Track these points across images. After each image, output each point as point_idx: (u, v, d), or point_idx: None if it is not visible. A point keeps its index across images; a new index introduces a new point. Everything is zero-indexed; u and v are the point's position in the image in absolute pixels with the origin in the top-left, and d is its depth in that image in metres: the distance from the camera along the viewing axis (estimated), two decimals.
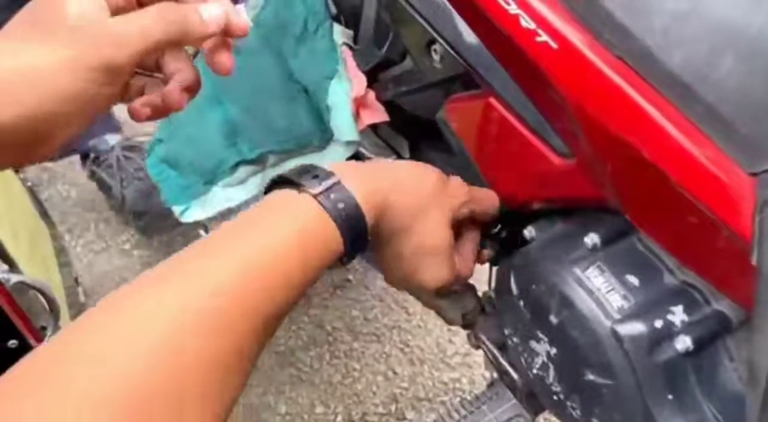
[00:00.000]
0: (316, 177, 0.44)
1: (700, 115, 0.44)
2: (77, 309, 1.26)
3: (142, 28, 0.39)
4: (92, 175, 1.46)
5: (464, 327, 0.79)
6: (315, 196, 0.43)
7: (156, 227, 1.38)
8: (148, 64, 0.46)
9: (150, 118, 0.45)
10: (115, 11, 0.41)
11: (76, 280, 1.32)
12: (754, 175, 0.42)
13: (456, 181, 0.59)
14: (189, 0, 0.43)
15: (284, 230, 0.40)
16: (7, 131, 0.37)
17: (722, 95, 0.43)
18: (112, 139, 1.44)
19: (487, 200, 0.60)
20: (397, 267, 0.55)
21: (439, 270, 0.55)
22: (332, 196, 0.43)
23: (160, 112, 0.45)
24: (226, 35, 0.45)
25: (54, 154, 0.41)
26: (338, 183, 0.45)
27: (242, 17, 0.44)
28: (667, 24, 0.44)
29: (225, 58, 0.45)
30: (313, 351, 1.29)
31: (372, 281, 1.39)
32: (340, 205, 0.43)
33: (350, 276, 1.40)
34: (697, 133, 0.44)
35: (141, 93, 0.45)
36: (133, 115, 0.44)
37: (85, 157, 1.47)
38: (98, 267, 1.44)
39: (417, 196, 0.52)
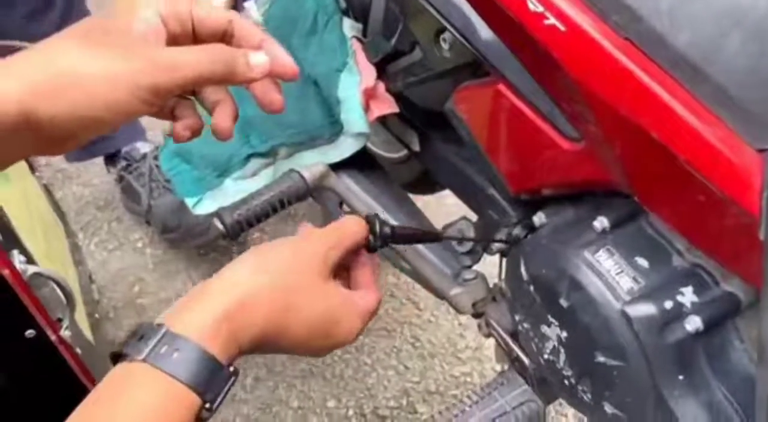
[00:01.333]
0: (141, 338, 0.41)
1: (707, 95, 0.44)
2: (92, 306, 1.27)
3: (193, 61, 0.42)
4: (120, 180, 1.47)
5: (475, 315, 0.79)
6: (144, 360, 0.40)
7: (186, 240, 1.40)
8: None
9: (189, 139, 0.47)
10: (172, 41, 0.45)
11: (90, 278, 1.33)
12: (762, 151, 0.42)
13: (312, 234, 0.51)
14: (241, 44, 0.46)
15: (134, 408, 0.38)
16: (44, 126, 0.39)
17: (729, 75, 0.43)
18: (144, 146, 1.45)
19: (351, 230, 0.52)
20: (313, 349, 0.48)
21: (348, 323, 0.48)
22: (162, 350, 0.40)
23: (198, 134, 0.47)
24: (275, 76, 0.48)
25: (71, 150, 0.43)
26: (166, 334, 0.41)
27: (290, 61, 0.47)
28: (674, 5, 0.45)
29: (273, 97, 0.49)
30: None
31: (383, 276, 1.40)
32: (175, 355, 0.40)
33: None
34: (704, 112, 0.44)
35: (171, 111, 0.47)
36: (176, 138, 0.47)
37: (110, 160, 1.48)
38: (112, 265, 1.46)
39: (274, 286, 0.45)
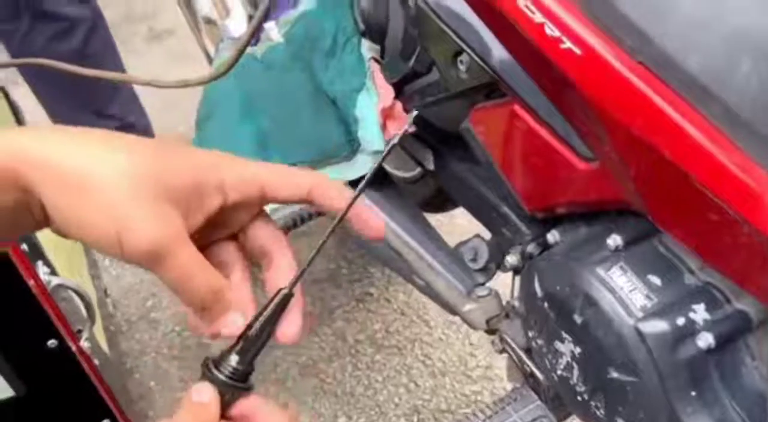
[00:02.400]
0: None
1: (719, 116, 0.46)
2: (108, 320, 1.29)
3: (175, 266, 0.37)
4: None
5: (488, 332, 0.80)
6: None
7: None
8: None
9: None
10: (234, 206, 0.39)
11: (105, 291, 1.35)
12: None
13: None
14: (323, 208, 0.40)
15: None
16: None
17: (740, 97, 0.45)
18: None
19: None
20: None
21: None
22: None
23: None
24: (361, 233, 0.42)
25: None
26: None
27: (377, 225, 0.41)
28: (685, 29, 0.46)
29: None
30: (336, 362, 1.31)
31: (394, 294, 1.41)
32: None
33: (372, 290, 1.42)
34: (716, 133, 0.46)
35: None
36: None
37: None
38: (125, 280, 1.48)
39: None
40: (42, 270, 0.77)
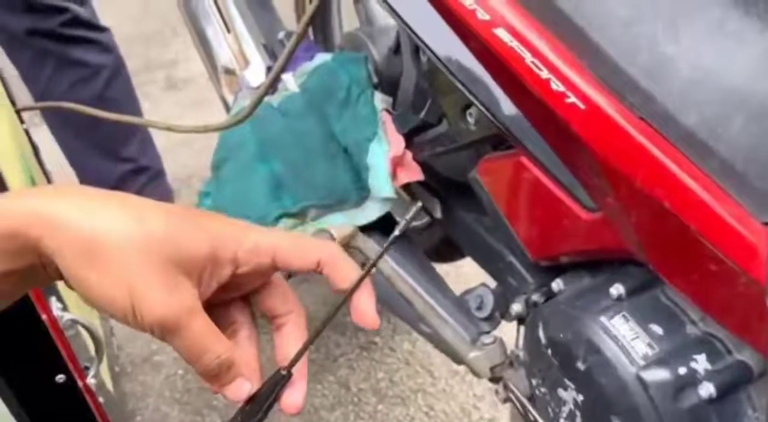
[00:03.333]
0: None
1: (715, 170, 0.48)
2: (113, 361, 1.29)
3: (186, 338, 0.37)
4: None
5: (492, 380, 0.81)
6: None
7: None
8: None
9: None
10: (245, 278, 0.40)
11: (111, 331, 1.36)
12: (767, 224, 0.46)
13: None
14: (332, 280, 0.41)
15: None
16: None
17: (735, 151, 0.47)
18: None
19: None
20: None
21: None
22: None
23: None
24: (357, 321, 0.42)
25: None
26: None
27: (372, 317, 0.41)
28: (684, 88, 0.49)
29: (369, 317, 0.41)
30: (338, 411, 1.30)
31: (398, 344, 1.41)
32: None
33: (376, 339, 1.42)
34: (713, 186, 0.48)
35: None
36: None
37: None
38: None
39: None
40: (55, 305, 0.78)
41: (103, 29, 1.45)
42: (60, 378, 0.77)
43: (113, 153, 1.51)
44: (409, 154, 0.83)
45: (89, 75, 1.41)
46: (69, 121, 1.45)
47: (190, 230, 0.38)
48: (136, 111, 1.53)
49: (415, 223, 1.19)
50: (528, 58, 0.54)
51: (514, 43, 0.55)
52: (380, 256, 0.42)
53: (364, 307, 0.41)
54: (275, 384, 0.40)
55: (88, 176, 1.53)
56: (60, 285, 0.88)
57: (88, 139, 1.48)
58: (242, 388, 0.39)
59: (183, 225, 0.37)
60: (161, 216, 0.37)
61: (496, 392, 0.80)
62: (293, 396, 0.40)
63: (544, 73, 0.54)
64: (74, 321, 0.80)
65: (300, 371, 0.41)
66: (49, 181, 1.16)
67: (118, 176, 1.52)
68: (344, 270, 0.40)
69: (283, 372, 0.40)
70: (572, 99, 0.53)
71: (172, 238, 0.37)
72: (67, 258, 0.35)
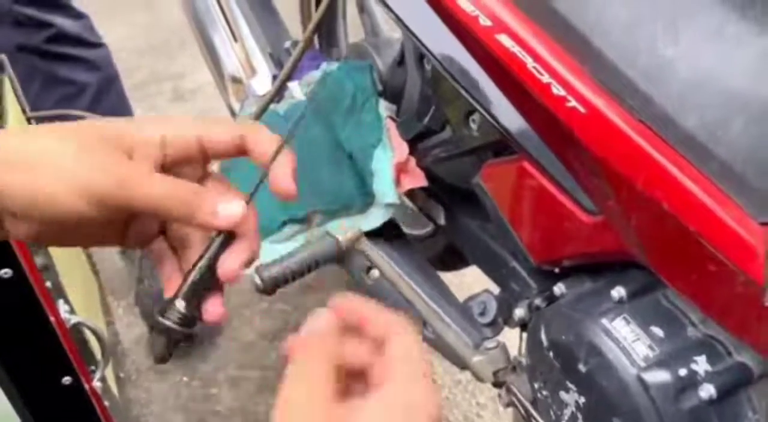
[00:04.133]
0: None
1: (714, 171, 0.49)
2: (118, 366, 1.30)
3: (146, 188, 0.39)
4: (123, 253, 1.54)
5: (495, 384, 0.81)
6: None
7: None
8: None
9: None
10: (172, 164, 0.41)
11: (117, 337, 1.37)
12: (765, 224, 0.46)
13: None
14: (256, 158, 0.43)
15: None
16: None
17: (734, 153, 0.48)
18: None
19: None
20: None
21: None
22: None
23: None
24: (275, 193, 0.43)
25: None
26: None
27: (289, 186, 0.43)
28: (683, 91, 0.50)
29: (285, 187, 0.43)
30: None
31: None
32: None
33: None
34: (712, 188, 0.49)
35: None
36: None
37: None
38: (137, 329, 1.49)
39: None
40: (63, 308, 0.79)
41: (94, 45, 1.44)
42: (66, 380, 0.77)
43: None
44: (413, 161, 0.84)
45: (74, 92, 1.42)
46: None
47: (117, 123, 0.41)
48: None
49: (419, 232, 1.19)
50: (529, 62, 0.55)
51: (516, 49, 0.56)
52: (291, 135, 0.43)
53: (280, 173, 0.42)
54: (219, 245, 0.40)
55: None
56: (68, 289, 0.89)
57: None
58: (237, 207, 0.41)
59: (108, 122, 0.41)
60: (90, 123, 0.41)
61: (499, 396, 0.80)
62: (229, 264, 0.40)
63: (545, 78, 0.55)
64: (81, 324, 0.81)
65: (241, 243, 0.41)
66: None
67: None
68: (265, 143, 0.42)
69: (224, 235, 0.40)
70: (573, 103, 0.54)
71: (102, 131, 0.40)
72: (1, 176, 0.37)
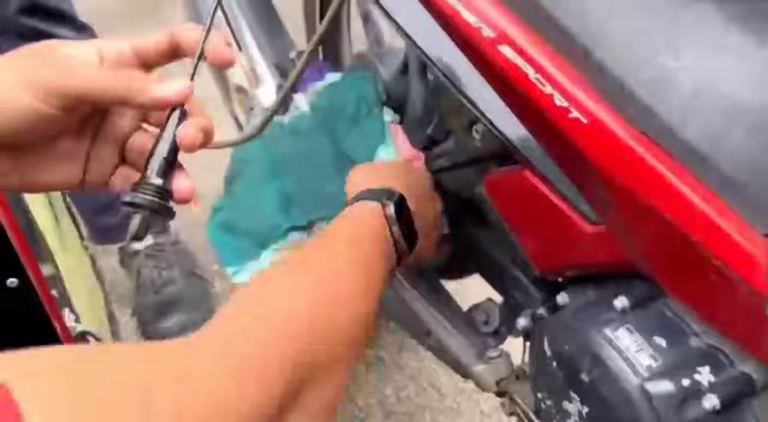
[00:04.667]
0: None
1: (717, 182, 0.49)
2: None
3: (90, 74, 0.42)
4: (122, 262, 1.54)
5: (498, 394, 0.81)
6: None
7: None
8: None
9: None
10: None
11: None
12: (767, 235, 0.47)
13: None
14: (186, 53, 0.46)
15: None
16: None
17: (735, 164, 0.48)
18: (139, 245, 1.47)
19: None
20: None
21: None
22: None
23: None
24: (213, 62, 0.47)
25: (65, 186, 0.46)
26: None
27: (227, 53, 0.46)
28: (685, 102, 0.50)
29: (223, 55, 0.47)
30: None
31: (406, 360, 1.41)
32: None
33: (383, 355, 1.42)
34: (714, 198, 0.49)
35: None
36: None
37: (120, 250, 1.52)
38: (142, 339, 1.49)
39: None
40: (68, 316, 0.80)
41: (80, 27, 1.38)
42: None
43: None
44: (420, 160, 0.85)
45: None
46: None
47: (61, 42, 0.45)
48: None
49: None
50: (531, 73, 0.56)
51: (518, 60, 0.56)
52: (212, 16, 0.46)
53: (215, 44, 0.45)
54: (176, 119, 0.41)
55: (86, 199, 1.51)
56: (74, 297, 0.90)
57: None
58: (162, 89, 0.43)
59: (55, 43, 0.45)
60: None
61: (503, 405, 0.80)
62: (187, 132, 0.43)
63: (548, 89, 0.55)
64: (86, 333, 0.81)
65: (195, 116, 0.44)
66: (71, 213, 1.19)
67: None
68: (192, 30, 0.46)
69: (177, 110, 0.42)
70: (575, 113, 0.54)
71: (47, 44, 0.44)
72: None
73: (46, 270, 0.80)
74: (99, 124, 0.46)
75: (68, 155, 0.45)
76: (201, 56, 0.44)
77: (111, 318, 1.31)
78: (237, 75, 1.18)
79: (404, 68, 0.91)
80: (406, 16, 0.71)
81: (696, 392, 0.55)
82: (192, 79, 0.44)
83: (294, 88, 0.96)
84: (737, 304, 0.49)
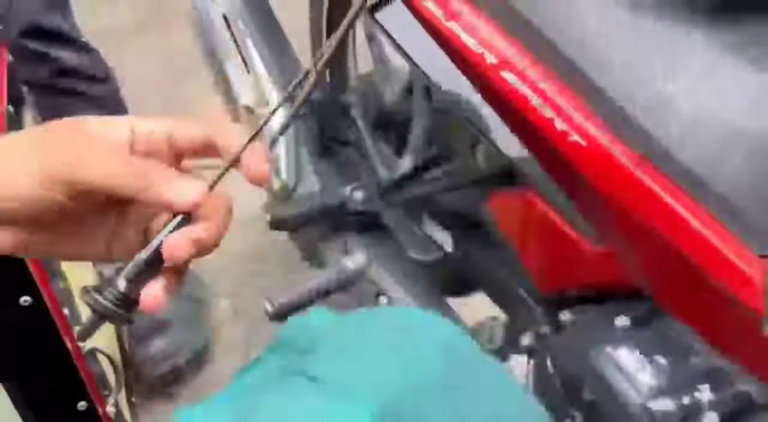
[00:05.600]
0: None
1: (713, 205, 0.50)
2: (130, 391, 1.31)
3: (100, 167, 0.39)
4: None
5: None
6: None
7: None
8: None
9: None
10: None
11: (132, 360, 1.38)
12: (763, 256, 0.48)
13: None
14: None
15: None
16: None
17: (732, 188, 0.49)
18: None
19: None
20: None
21: None
22: None
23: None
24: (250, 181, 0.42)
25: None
26: None
27: (263, 172, 0.42)
28: (684, 128, 0.52)
29: (259, 171, 0.42)
30: None
31: None
32: None
33: None
34: (711, 220, 0.50)
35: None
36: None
37: None
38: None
39: None
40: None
41: (101, 80, 1.40)
42: (82, 405, 0.79)
43: None
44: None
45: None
46: None
47: (90, 120, 0.41)
48: None
49: (427, 258, 1.20)
50: (533, 98, 0.57)
51: (520, 85, 0.58)
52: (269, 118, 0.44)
53: (253, 160, 0.41)
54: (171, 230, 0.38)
55: None
56: (84, 316, 0.91)
57: None
58: (192, 185, 0.39)
59: (84, 119, 0.41)
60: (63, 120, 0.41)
61: None
62: (177, 235, 0.39)
63: (548, 113, 0.57)
64: (96, 350, 0.82)
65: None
66: None
67: None
68: (233, 135, 0.41)
69: (179, 218, 0.38)
70: (575, 137, 0.55)
71: (72, 123, 0.41)
72: None
73: (57, 287, 0.81)
74: (122, 206, 0.43)
75: (89, 234, 0.42)
76: (228, 167, 0.40)
77: (120, 335, 1.32)
78: (244, 96, 1.20)
79: (409, 88, 0.92)
80: (408, 39, 0.73)
81: (696, 410, 0.56)
82: (212, 188, 0.40)
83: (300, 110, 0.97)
84: (735, 324, 0.50)
